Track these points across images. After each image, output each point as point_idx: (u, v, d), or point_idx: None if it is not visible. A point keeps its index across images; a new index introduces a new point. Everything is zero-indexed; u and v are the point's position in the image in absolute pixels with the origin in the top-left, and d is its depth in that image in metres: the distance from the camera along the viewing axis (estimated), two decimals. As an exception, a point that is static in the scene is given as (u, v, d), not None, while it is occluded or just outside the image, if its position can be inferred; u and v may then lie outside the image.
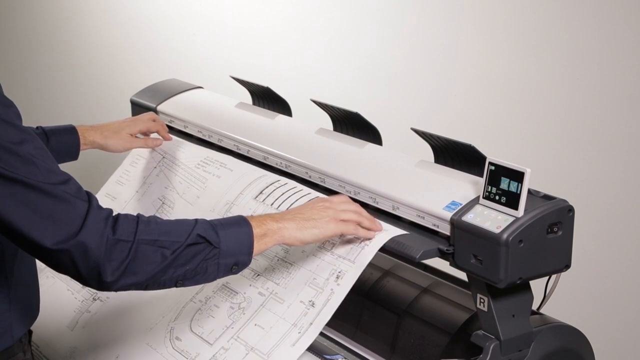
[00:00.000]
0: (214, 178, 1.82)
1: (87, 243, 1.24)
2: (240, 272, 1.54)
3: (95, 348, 1.67)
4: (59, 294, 1.85)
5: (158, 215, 1.83)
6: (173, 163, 1.95)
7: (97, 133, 1.91)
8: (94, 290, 1.78)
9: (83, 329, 1.74)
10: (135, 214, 1.34)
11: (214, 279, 1.37)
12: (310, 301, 1.45)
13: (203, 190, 1.82)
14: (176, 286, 1.34)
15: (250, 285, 1.55)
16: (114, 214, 1.29)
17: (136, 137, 1.96)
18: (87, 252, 1.24)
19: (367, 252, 1.44)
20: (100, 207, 1.28)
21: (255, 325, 1.48)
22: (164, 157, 1.97)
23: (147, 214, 1.84)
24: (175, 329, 1.57)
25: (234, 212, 1.67)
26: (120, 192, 1.98)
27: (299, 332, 1.42)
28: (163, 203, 1.87)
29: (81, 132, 1.89)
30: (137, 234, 1.28)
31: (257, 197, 1.69)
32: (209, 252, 1.33)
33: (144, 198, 1.92)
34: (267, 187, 1.69)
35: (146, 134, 1.98)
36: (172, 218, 1.76)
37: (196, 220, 1.35)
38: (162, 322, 1.61)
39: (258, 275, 1.56)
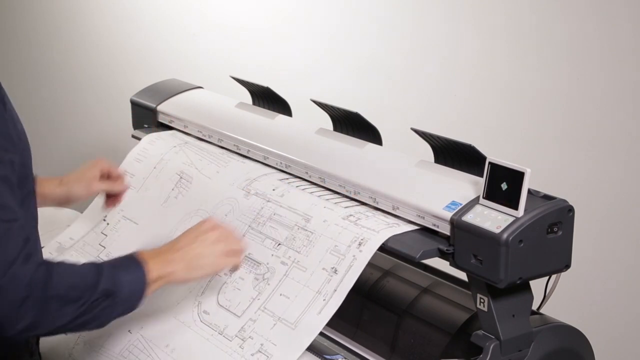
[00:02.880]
0: (237, 162, 1.85)
1: (6, 290, 1.21)
2: (262, 243, 1.58)
3: (119, 320, 1.67)
4: None
5: (176, 189, 1.86)
6: (195, 146, 1.96)
7: (55, 185, 1.79)
8: None
9: None
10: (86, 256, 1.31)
11: (105, 325, 1.35)
12: (332, 268, 1.46)
13: (224, 167, 1.84)
14: (67, 333, 1.32)
15: (272, 255, 1.57)
16: (36, 266, 1.25)
17: (100, 181, 1.83)
18: (2, 298, 1.21)
19: (393, 230, 1.46)
20: (27, 259, 1.24)
21: (281, 295, 1.50)
22: (186, 143, 1.99)
23: (163, 190, 1.87)
24: (202, 303, 1.60)
25: (255, 188, 1.71)
26: (138, 169, 1.98)
27: (324, 300, 1.44)
28: (181, 178, 1.88)
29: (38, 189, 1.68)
30: (48, 289, 1.25)
31: (282, 180, 1.72)
32: (109, 301, 1.32)
33: (161, 174, 1.93)
34: (293, 176, 1.73)
35: (108, 176, 1.85)
36: (191, 192, 1.81)
37: (98, 268, 1.32)
38: (189, 297, 1.62)
39: (279, 244, 1.58)
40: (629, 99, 2.08)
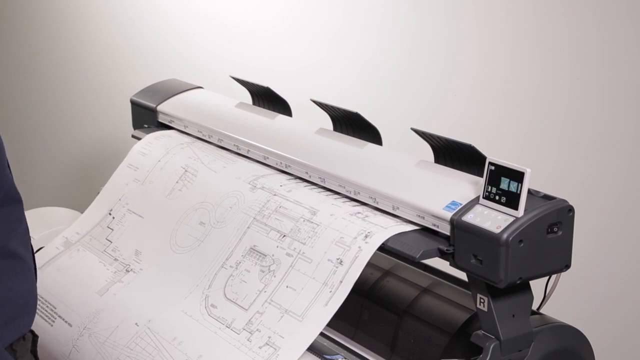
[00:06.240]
0: (245, 162, 1.85)
1: None
2: (267, 235, 1.59)
3: (125, 312, 1.69)
4: (89, 266, 1.86)
5: (180, 182, 1.87)
6: (203, 145, 1.97)
7: None
8: (127, 262, 1.80)
9: (114, 296, 1.74)
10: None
11: None
12: (337, 259, 1.47)
13: (232, 164, 1.84)
14: None
15: (277, 246, 1.57)
16: None
17: None
18: None
19: (400, 228, 1.47)
20: None
21: (287, 287, 1.51)
22: (194, 142, 1.99)
23: (167, 183, 1.89)
24: (210, 297, 1.60)
25: (262, 183, 1.72)
26: (142, 162, 1.99)
27: (330, 291, 1.44)
28: (186, 171, 1.88)
29: None
30: None
31: (290, 179, 1.73)
32: None
33: (166, 167, 1.93)
34: (300, 178, 1.74)
35: None
36: (195, 185, 1.82)
37: None
38: (196, 291, 1.63)
39: (284, 236, 1.58)
40: (630, 99, 2.08)
